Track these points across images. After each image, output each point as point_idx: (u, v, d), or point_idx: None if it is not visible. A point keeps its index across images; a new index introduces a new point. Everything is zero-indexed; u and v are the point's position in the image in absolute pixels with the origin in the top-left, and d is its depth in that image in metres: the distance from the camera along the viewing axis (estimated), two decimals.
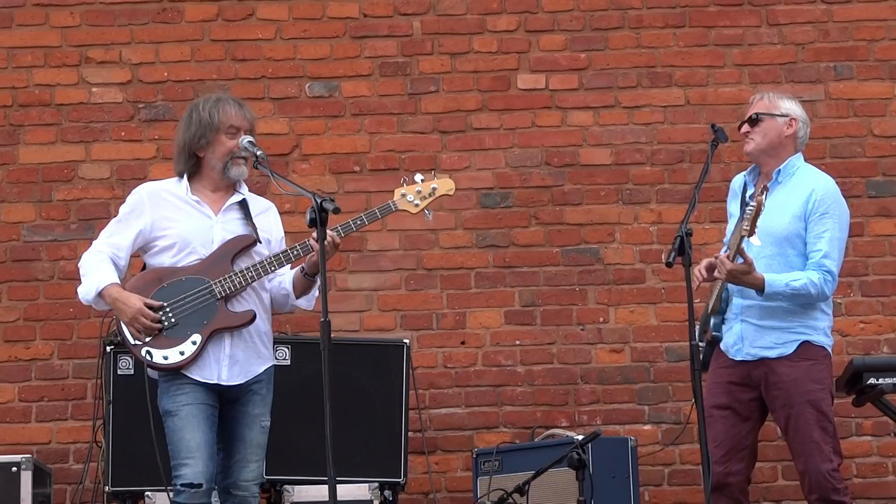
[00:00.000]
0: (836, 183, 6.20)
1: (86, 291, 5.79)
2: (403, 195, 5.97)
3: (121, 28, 8.22)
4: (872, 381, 6.42)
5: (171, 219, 5.84)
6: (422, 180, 5.96)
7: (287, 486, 6.96)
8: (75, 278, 7.77)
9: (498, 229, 8.11)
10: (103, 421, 7.15)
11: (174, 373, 5.72)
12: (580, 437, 6.59)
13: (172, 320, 5.71)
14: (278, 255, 5.79)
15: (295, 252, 5.77)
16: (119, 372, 7.09)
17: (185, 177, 5.91)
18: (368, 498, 6.97)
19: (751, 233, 5.85)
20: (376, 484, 7.03)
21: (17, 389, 7.93)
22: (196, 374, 5.72)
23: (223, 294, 5.72)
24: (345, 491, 6.68)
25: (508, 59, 8.25)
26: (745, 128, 6.30)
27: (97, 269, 5.78)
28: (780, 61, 8.24)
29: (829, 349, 6.21)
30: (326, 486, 5.31)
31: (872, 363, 6.50)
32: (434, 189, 5.97)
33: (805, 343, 6.12)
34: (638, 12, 8.27)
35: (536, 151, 8.18)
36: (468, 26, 8.27)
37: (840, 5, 8.27)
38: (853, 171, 8.13)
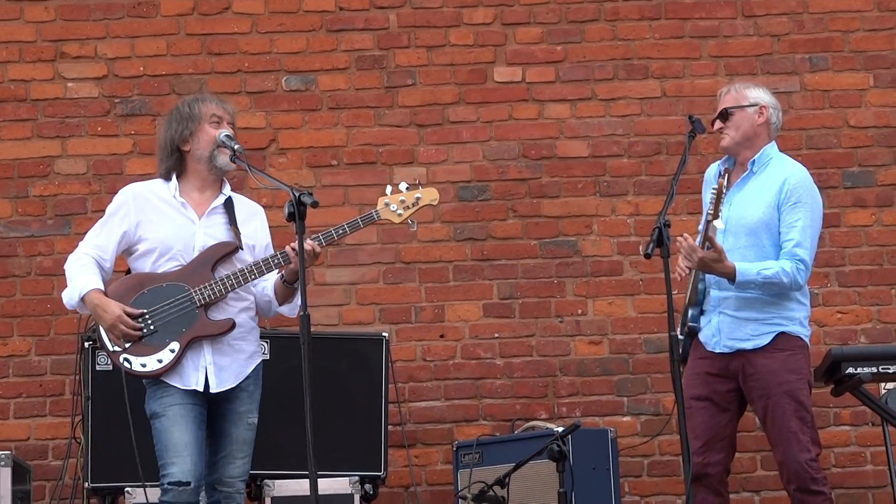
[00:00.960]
0: (812, 174, 6.22)
1: (69, 297, 5.78)
2: (387, 204, 5.94)
3: (96, 23, 8.19)
4: (851, 370, 6.43)
5: (154, 222, 5.82)
6: (406, 189, 5.94)
7: (268, 481, 6.95)
8: (52, 274, 7.86)
9: (475, 222, 8.11)
10: (82, 417, 7.13)
11: (157, 379, 5.71)
12: (560, 429, 6.59)
13: (152, 327, 5.70)
14: (258, 263, 5.76)
15: (276, 261, 5.77)
16: (97, 368, 7.06)
17: (174, 177, 5.88)
18: (349, 492, 6.97)
19: (714, 216, 5.88)
20: (357, 478, 7.02)
21: None
22: (176, 382, 5.71)
23: (202, 302, 5.71)
24: (325, 485, 6.67)
25: (485, 52, 8.25)
26: (718, 124, 6.32)
27: (80, 274, 5.76)
28: (756, 53, 8.26)
29: (807, 339, 6.23)
30: (307, 481, 5.31)
31: (851, 353, 6.52)
32: (418, 199, 5.96)
33: (781, 334, 6.15)
34: (614, 4, 8.28)
35: (513, 144, 8.19)
36: (444, 19, 8.27)
37: None
38: (829, 162, 8.15)
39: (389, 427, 7.36)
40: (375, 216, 5.93)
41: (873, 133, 8.19)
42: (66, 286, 5.80)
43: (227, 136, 5.84)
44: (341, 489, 6.96)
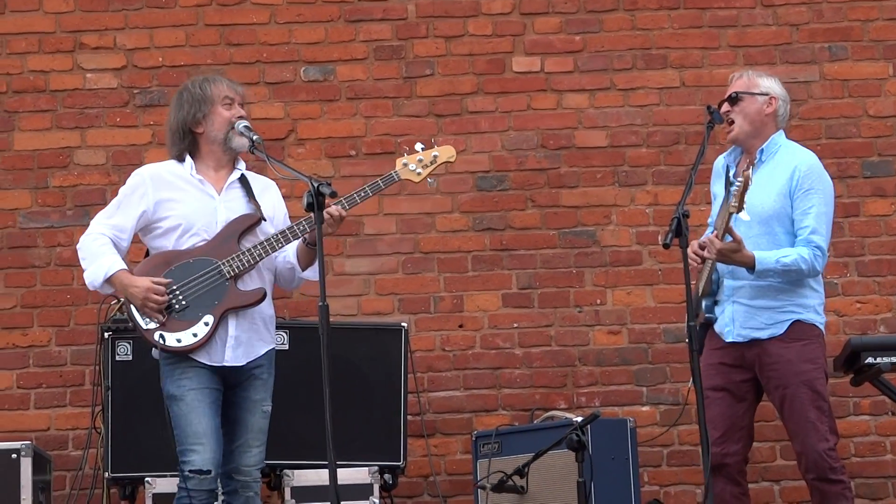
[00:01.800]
0: (831, 164, 6.20)
1: (93, 276, 5.76)
2: (405, 164, 5.97)
3: (115, 13, 8.20)
4: (870, 360, 6.43)
5: (175, 200, 5.83)
6: (422, 149, 5.96)
7: (287, 471, 6.96)
8: (72, 265, 7.86)
9: (494, 212, 8.11)
10: (102, 407, 7.15)
11: (179, 356, 5.71)
12: (579, 419, 6.59)
13: (183, 302, 5.70)
14: (284, 231, 5.78)
15: (301, 227, 5.77)
16: (117, 358, 7.08)
17: (189, 156, 5.89)
18: (368, 482, 6.98)
19: (739, 209, 5.86)
20: (376, 467, 7.03)
21: (16, 376, 7.92)
22: (204, 358, 5.72)
23: (232, 273, 5.72)
24: (345, 475, 6.68)
25: (503, 42, 8.24)
26: (725, 106, 6.31)
27: (103, 254, 5.76)
28: (775, 42, 8.24)
29: (822, 327, 6.21)
30: (326, 471, 5.32)
31: (870, 342, 6.52)
32: (435, 157, 5.98)
33: (796, 322, 6.14)
34: None
35: (532, 134, 8.18)
36: (463, 9, 8.26)
37: None
38: (848, 152, 8.14)
39: (409, 417, 7.36)
40: (395, 177, 5.96)
41: (893, 122, 8.17)
42: (84, 266, 5.79)
43: (245, 126, 5.86)
44: (361, 479, 6.97)
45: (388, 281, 8.06)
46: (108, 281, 5.74)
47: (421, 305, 8.03)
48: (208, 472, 5.61)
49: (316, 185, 5.50)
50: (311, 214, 5.65)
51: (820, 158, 6.39)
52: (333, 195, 5.55)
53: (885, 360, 6.40)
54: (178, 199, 5.82)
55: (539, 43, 8.25)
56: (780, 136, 6.32)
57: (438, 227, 8.09)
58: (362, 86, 8.20)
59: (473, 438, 7.41)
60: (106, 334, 7.11)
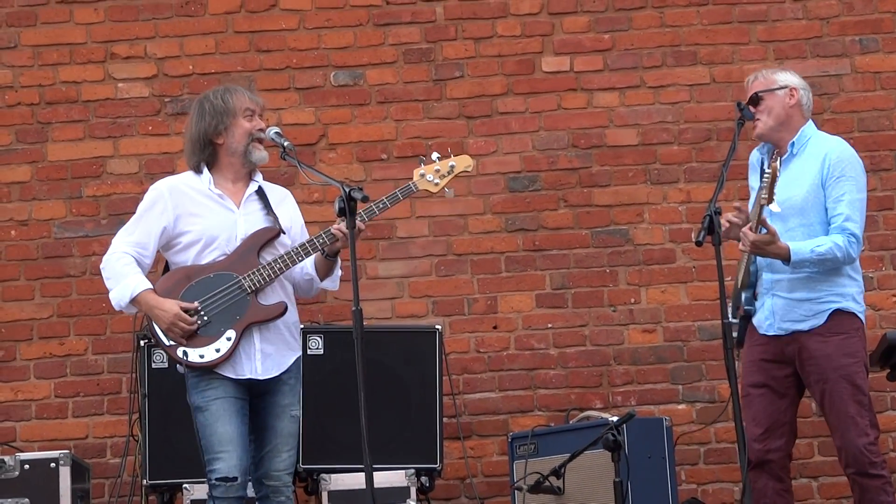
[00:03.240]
0: (864, 157, 6.17)
1: (119, 297, 5.78)
2: (422, 175, 5.96)
3: (144, 23, 8.24)
4: None
5: (195, 214, 5.83)
6: (439, 158, 5.96)
7: (324, 475, 6.98)
8: None
9: (527, 213, 8.11)
10: (139, 415, 7.19)
11: (203, 369, 5.73)
12: (615, 419, 6.58)
13: (205, 318, 5.72)
14: (304, 245, 5.79)
15: (321, 240, 5.77)
16: (153, 366, 7.12)
17: (206, 169, 5.89)
18: (405, 484, 6.99)
19: (769, 200, 5.85)
20: (413, 470, 7.05)
21: (53, 385, 7.97)
22: (229, 372, 5.73)
23: (253, 288, 5.73)
24: (381, 478, 6.70)
25: (532, 43, 8.24)
26: (751, 109, 6.29)
27: (126, 274, 5.77)
28: (805, 36, 8.21)
29: (862, 316, 6.20)
30: (363, 474, 5.34)
31: None
32: (452, 167, 5.97)
33: (836, 312, 6.12)
34: None
35: (563, 134, 8.18)
36: (491, 10, 8.26)
37: None
38: (881, 145, 8.10)
39: (444, 419, 7.37)
40: (413, 188, 5.95)
41: None
42: (108, 286, 5.81)
43: (276, 132, 5.85)
44: (397, 482, 6.98)
45: (421, 283, 8.06)
46: (134, 301, 5.75)
47: (455, 307, 8.04)
48: (234, 479, 5.61)
49: (347, 189, 5.51)
50: (329, 227, 5.72)
51: None
52: (365, 200, 5.56)
53: None
54: (199, 214, 5.82)
55: (568, 42, 8.24)
56: (809, 128, 6.31)
57: (471, 228, 8.09)
58: (392, 89, 8.21)
59: (509, 440, 7.41)
60: (142, 342, 7.15)
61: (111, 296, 5.81)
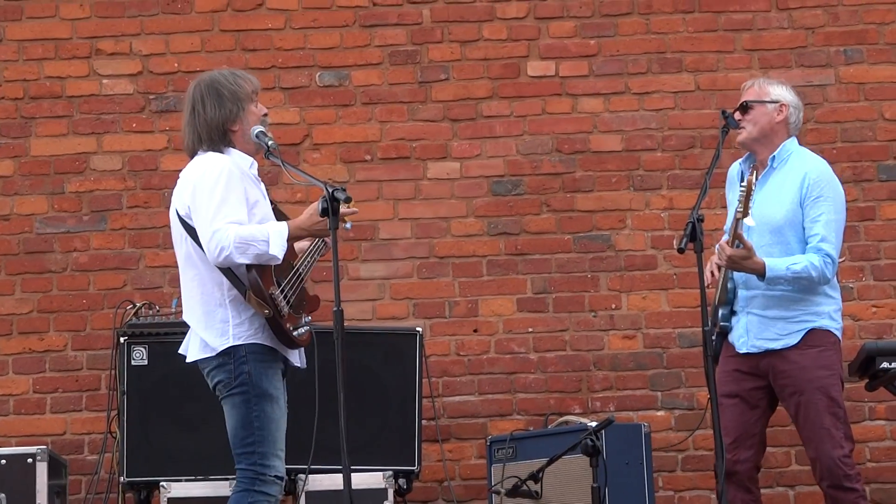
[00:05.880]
0: (847, 167, 6.18)
1: (280, 246, 5.53)
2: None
3: (130, 19, 8.23)
4: (885, 365, 6.42)
5: (257, 200, 5.69)
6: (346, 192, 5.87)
7: (301, 476, 6.97)
8: (88, 270, 7.93)
9: (509, 217, 8.12)
10: (117, 411, 7.17)
11: (272, 353, 5.65)
12: (593, 424, 6.59)
13: (291, 298, 5.68)
14: (311, 253, 5.81)
15: (318, 252, 5.82)
16: (133, 362, 7.10)
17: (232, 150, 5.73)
18: (383, 486, 6.98)
19: (745, 214, 5.86)
20: (390, 472, 7.04)
21: (32, 381, 7.95)
22: (295, 359, 5.76)
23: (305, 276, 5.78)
24: (359, 479, 6.68)
25: (518, 47, 8.25)
26: (737, 115, 6.31)
27: (259, 230, 5.53)
28: (790, 46, 8.23)
29: (838, 333, 6.19)
30: (341, 475, 5.33)
31: (885, 347, 6.50)
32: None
33: (811, 330, 6.12)
34: None
35: (547, 138, 8.18)
36: (478, 14, 8.27)
37: None
38: (864, 155, 8.12)
39: (423, 422, 7.37)
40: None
41: None
42: (258, 252, 5.50)
43: (261, 132, 5.79)
44: (375, 484, 6.97)
45: (402, 286, 8.06)
46: (290, 239, 5.59)
47: (436, 310, 8.04)
48: (283, 480, 5.60)
49: (331, 190, 5.50)
50: (324, 238, 5.73)
51: (835, 162, 6.40)
52: (348, 200, 5.54)
53: None
54: (258, 199, 5.71)
55: (554, 47, 8.25)
56: (791, 143, 6.31)
57: (453, 231, 8.09)
58: (377, 91, 8.21)
59: (488, 443, 7.41)
60: (121, 339, 7.13)
61: (273, 252, 5.49)
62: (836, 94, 8.18)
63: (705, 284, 5.91)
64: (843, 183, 6.39)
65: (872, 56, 8.22)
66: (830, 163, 6.48)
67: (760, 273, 6.02)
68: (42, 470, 6.92)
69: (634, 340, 8.02)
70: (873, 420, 7.92)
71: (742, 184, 5.90)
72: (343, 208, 5.62)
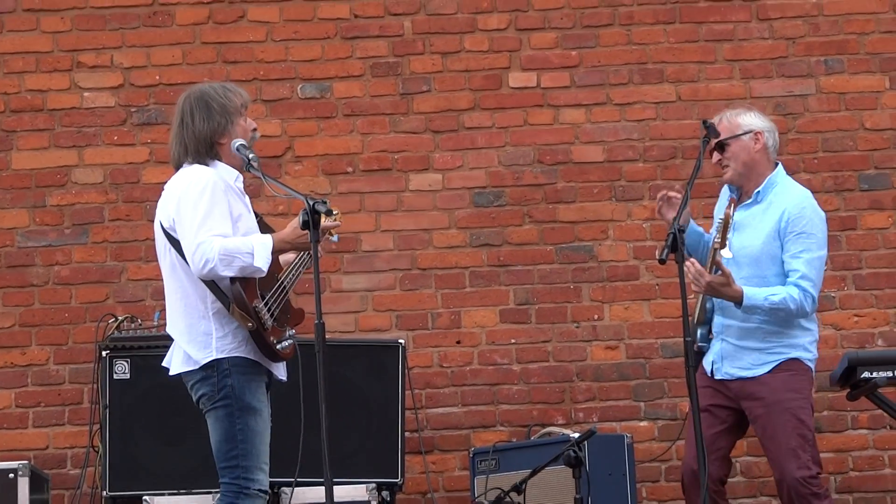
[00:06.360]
0: (828, 177, 6.15)
1: (263, 261, 5.52)
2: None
3: (112, 32, 8.22)
4: (866, 374, 6.43)
5: (241, 211, 5.69)
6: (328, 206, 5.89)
7: (285, 489, 6.96)
8: (70, 283, 7.91)
9: (491, 228, 8.12)
10: (100, 425, 7.15)
11: (256, 367, 5.63)
12: (576, 435, 6.59)
13: (275, 311, 5.67)
14: (297, 266, 5.80)
15: (303, 265, 5.81)
16: (115, 376, 7.09)
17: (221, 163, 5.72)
18: (366, 499, 6.97)
19: (722, 245, 5.85)
20: (374, 484, 7.03)
21: (14, 395, 7.93)
22: (280, 372, 5.74)
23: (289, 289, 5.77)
24: (342, 492, 6.68)
25: (500, 58, 8.26)
26: (716, 156, 6.27)
27: (244, 241, 5.53)
28: (771, 56, 8.25)
29: (811, 363, 6.15)
30: (324, 488, 5.32)
31: (866, 357, 6.52)
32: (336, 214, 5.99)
33: (783, 361, 6.11)
34: (628, 9, 8.28)
35: (529, 150, 8.19)
36: (459, 25, 8.27)
37: None
38: (845, 165, 8.14)
39: (406, 433, 7.36)
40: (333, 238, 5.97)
41: (889, 135, 8.17)
42: (242, 264, 5.49)
43: (241, 144, 5.76)
44: (358, 496, 6.96)
45: (385, 297, 8.06)
46: (274, 251, 5.59)
47: (418, 322, 8.04)
48: (267, 493, 5.59)
49: (311, 203, 5.49)
50: (302, 253, 5.74)
51: (816, 172, 6.41)
52: (329, 213, 5.54)
53: (882, 374, 6.40)
54: (242, 213, 5.70)
55: (535, 58, 8.26)
56: (776, 175, 6.24)
57: (436, 243, 8.10)
58: (359, 102, 8.21)
59: (471, 455, 7.41)
60: (104, 353, 7.12)
61: (258, 265, 5.50)
62: (816, 104, 8.20)
63: (687, 281, 5.89)
64: (824, 192, 6.43)
65: (853, 66, 8.24)
66: (811, 173, 6.51)
67: (738, 301, 5.99)
68: (24, 485, 6.90)
69: (617, 351, 8.03)
70: (856, 429, 7.93)
71: (720, 217, 5.89)
72: (326, 221, 5.64)
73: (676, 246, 5.74)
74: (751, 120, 6.29)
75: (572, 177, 8.16)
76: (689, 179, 6.06)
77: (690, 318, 6.06)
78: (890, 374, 6.40)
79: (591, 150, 8.19)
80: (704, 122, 6.27)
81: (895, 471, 7.86)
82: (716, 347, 6.20)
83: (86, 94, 8.18)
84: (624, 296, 8.06)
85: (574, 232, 8.12)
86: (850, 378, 6.50)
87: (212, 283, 5.56)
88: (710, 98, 8.13)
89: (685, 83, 8.24)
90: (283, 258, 5.83)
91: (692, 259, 5.98)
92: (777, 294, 6.01)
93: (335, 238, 5.99)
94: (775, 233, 6.11)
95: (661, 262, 5.77)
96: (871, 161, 8.16)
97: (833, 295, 7.98)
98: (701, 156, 6.16)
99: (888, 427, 7.83)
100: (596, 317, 8.04)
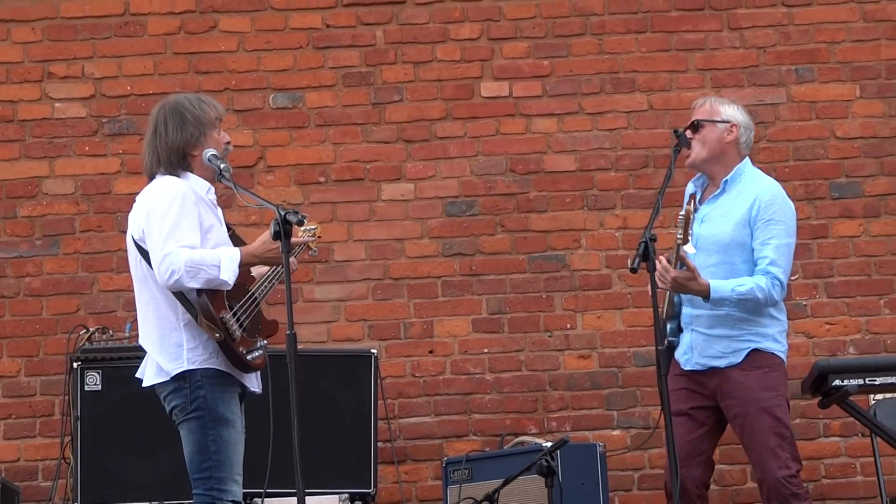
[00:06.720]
0: (799, 185, 6.17)
1: (230, 274, 5.51)
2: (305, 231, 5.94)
3: (83, 42, 8.19)
4: (837, 382, 6.42)
5: (211, 223, 5.68)
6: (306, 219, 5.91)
7: (256, 500, 6.93)
8: (41, 295, 7.88)
9: (464, 237, 8.12)
10: (71, 437, 7.13)
11: (228, 378, 5.63)
12: (548, 445, 6.59)
13: (245, 322, 5.66)
14: (270, 278, 5.78)
15: (277, 277, 5.79)
16: (86, 388, 7.07)
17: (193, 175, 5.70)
18: None
19: (684, 241, 5.87)
20: (346, 495, 7.03)
21: None
22: (252, 384, 5.73)
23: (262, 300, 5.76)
24: (315, 502, 6.67)
25: (472, 68, 8.26)
26: (688, 133, 6.31)
27: (210, 254, 5.52)
28: (742, 65, 8.28)
29: (782, 356, 6.18)
30: (296, 499, 5.31)
31: (837, 365, 6.51)
32: (314, 229, 6.01)
33: (754, 351, 6.12)
34: (600, 18, 8.29)
35: (501, 159, 8.20)
36: (431, 35, 8.28)
37: (800, 8, 8.31)
38: (816, 173, 8.16)
39: (379, 443, 7.36)
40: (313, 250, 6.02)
41: (860, 144, 8.20)
42: (208, 276, 5.49)
43: (213, 155, 5.76)
44: None
45: (357, 307, 8.05)
46: (242, 265, 5.57)
47: (391, 331, 8.03)
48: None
49: (283, 213, 5.49)
50: (277, 266, 5.71)
51: (788, 180, 6.43)
52: (300, 223, 5.54)
53: (852, 382, 6.39)
54: (213, 224, 5.69)
55: (507, 68, 8.27)
56: (744, 165, 6.30)
57: (408, 252, 8.09)
58: (331, 112, 8.21)
59: (444, 464, 7.40)
60: (75, 364, 7.10)
61: (224, 277, 5.49)
62: (787, 112, 8.23)
63: (658, 291, 5.91)
64: (795, 201, 6.41)
65: (824, 75, 8.27)
66: (783, 181, 6.52)
67: (705, 295, 6.02)
68: None
69: (590, 360, 8.03)
70: (828, 437, 7.95)
71: (681, 213, 5.90)
72: (303, 235, 5.68)
73: (648, 255, 5.75)
74: (732, 112, 6.34)
75: (544, 186, 8.17)
76: (661, 188, 6.08)
77: (661, 317, 6.09)
78: (861, 381, 6.40)
79: (563, 159, 8.20)
80: (675, 130, 6.31)
81: (867, 478, 7.87)
82: (686, 339, 6.21)
83: (57, 104, 8.16)
84: (596, 305, 8.07)
85: (546, 241, 8.12)
86: (822, 386, 6.51)
87: (180, 295, 5.55)
88: (681, 107, 8.14)
89: (657, 92, 8.25)
90: (256, 270, 5.82)
91: (661, 256, 6.01)
92: (744, 285, 6.04)
93: (315, 251, 6.01)
94: (746, 220, 6.15)
95: (633, 270, 5.78)
96: (842, 169, 8.19)
97: (804, 303, 8.01)
98: (672, 165, 6.17)
99: (860, 435, 7.85)
100: (568, 326, 8.05)
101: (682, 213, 5.88)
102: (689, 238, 5.86)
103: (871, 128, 8.21)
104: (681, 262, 5.95)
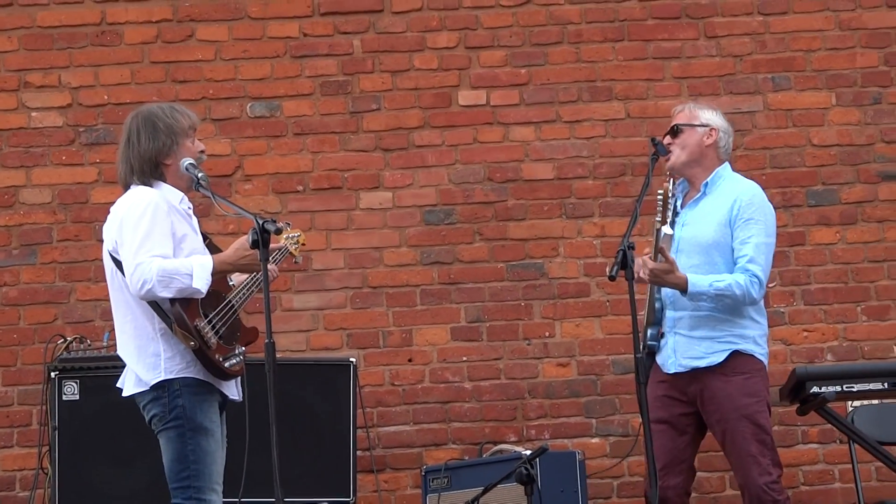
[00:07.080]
0: (776, 193, 6.19)
1: (203, 282, 5.50)
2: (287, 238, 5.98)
3: (59, 51, 8.18)
4: (815, 389, 6.44)
5: (186, 234, 5.67)
6: (289, 226, 5.94)
7: None
8: (18, 304, 7.86)
9: (442, 246, 8.12)
10: (49, 447, 7.10)
11: (207, 387, 5.62)
12: (528, 453, 6.59)
13: (221, 329, 5.64)
14: (249, 286, 5.77)
15: (256, 284, 5.78)
16: (64, 397, 7.04)
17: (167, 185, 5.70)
18: None
19: (663, 222, 5.90)
20: (326, 503, 7.01)
21: None
22: (233, 392, 5.72)
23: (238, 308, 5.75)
24: None
25: (449, 76, 8.27)
26: (668, 139, 6.37)
27: (182, 263, 5.52)
28: (719, 73, 8.30)
29: (763, 359, 6.22)
30: None
31: (815, 372, 6.53)
32: (298, 237, 6.04)
33: (735, 353, 6.14)
34: (577, 27, 8.31)
35: (479, 167, 8.20)
36: (408, 44, 8.28)
37: (777, 17, 8.34)
38: (793, 181, 8.19)
39: (358, 452, 7.36)
40: (287, 252, 6.04)
41: (836, 151, 8.23)
42: (180, 286, 5.48)
43: (190, 164, 5.75)
44: None
45: (336, 316, 8.05)
46: (215, 273, 5.56)
47: (370, 340, 8.03)
48: None
49: (261, 222, 5.48)
50: (254, 274, 5.72)
51: (765, 188, 6.44)
52: (278, 232, 5.54)
53: (830, 389, 6.41)
54: (187, 232, 5.68)
55: (484, 76, 8.28)
56: (724, 169, 6.37)
57: (386, 261, 8.09)
58: (309, 121, 8.21)
59: (423, 473, 7.40)
60: (52, 374, 7.07)
61: (196, 286, 5.49)
62: (764, 120, 8.26)
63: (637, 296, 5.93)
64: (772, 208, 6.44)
65: (800, 83, 8.30)
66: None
67: (683, 288, 6.05)
68: None
69: (568, 368, 8.04)
70: (806, 444, 7.97)
71: (659, 191, 5.93)
72: (285, 242, 5.69)
73: (626, 263, 5.76)
74: (711, 116, 6.42)
75: (522, 194, 8.18)
76: (639, 196, 6.09)
77: (642, 322, 6.11)
78: (839, 388, 6.42)
79: (540, 167, 8.21)
80: (653, 139, 6.34)
81: (845, 485, 7.89)
82: (669, 342, 6.23)
83: (33, 113, 8.14)
84: (575, 313, 8.08)
85: (525, 249, 8.13)
86: (800, 393, 6.53)
87: (154, 304, 5.55)
88: (658, 115, 8.16)
89: (634, 100, 8.27)
90: (236, 277, 5.82)
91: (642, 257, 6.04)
92: (722, 280, 6.08)
93: (299, 259, 6.03)
94: (727, 221, 6.20)
95: (612, 278, 5.79)
96: (819, 177, 8.22)
97: (782, 310, 8.03)
98: (650, 172, 6.19)
99: (838, 441, 7.87)
100: (547, 334, 8.06)
101: (660, 192, 5.90)
102: (668, 219, 5.90)
103: (847, 135, 8.24)
104: (660, 254, 5.98)
